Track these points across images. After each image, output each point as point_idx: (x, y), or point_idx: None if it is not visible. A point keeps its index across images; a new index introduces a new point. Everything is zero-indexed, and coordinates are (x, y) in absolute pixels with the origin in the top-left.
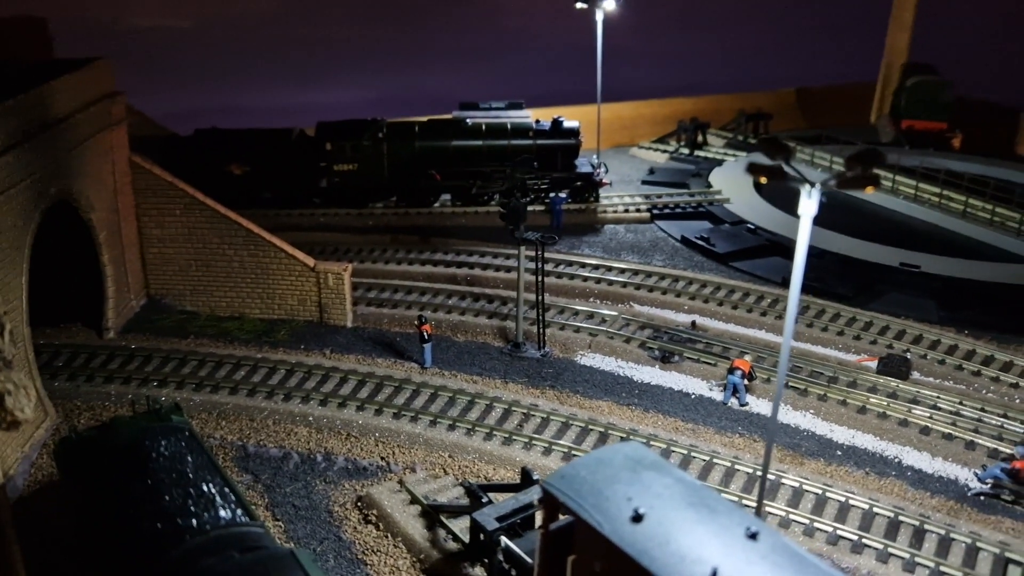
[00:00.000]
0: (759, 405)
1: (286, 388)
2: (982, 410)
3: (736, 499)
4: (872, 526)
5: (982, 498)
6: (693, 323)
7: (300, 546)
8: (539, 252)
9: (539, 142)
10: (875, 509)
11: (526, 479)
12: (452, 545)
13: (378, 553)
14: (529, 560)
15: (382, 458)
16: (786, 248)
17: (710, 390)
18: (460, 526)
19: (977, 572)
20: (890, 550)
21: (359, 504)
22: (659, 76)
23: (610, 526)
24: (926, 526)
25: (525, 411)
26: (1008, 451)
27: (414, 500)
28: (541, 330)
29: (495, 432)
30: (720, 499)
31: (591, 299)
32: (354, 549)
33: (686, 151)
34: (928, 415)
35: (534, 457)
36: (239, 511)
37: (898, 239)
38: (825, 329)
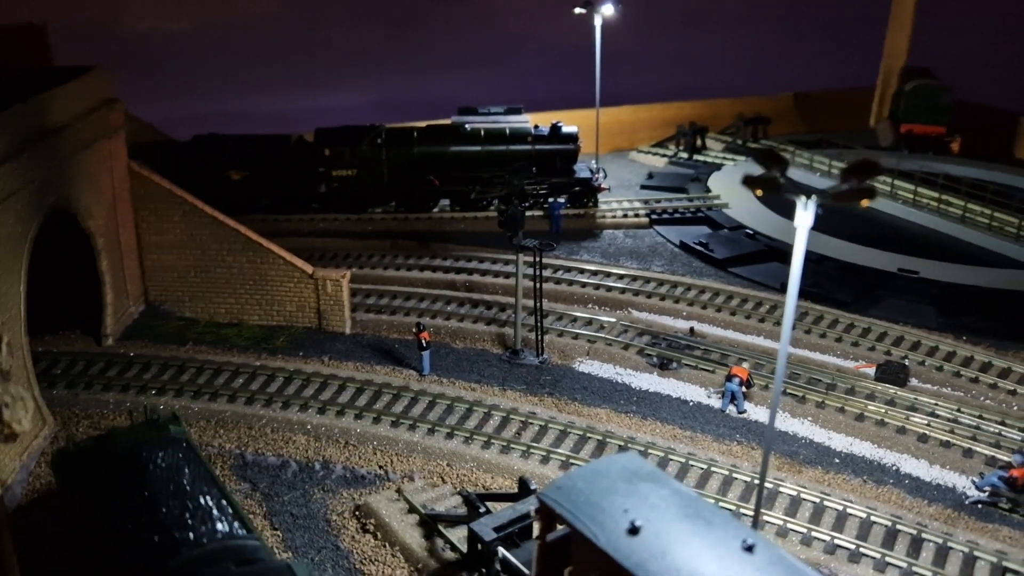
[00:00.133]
0: (757, 412)
1: (284, 396)
2: (980, 417)
3: (734, 508)
4: (870, 535)
5: (980, 506)
6: (692, 329)
7: (298, 556)
8: (537, 259)
9: (538, 147)
10: (873, 518)
11: (524, 489)
12: (450, 555)
13: (376, 562)
14: (526, 571)
15: (380, 466)
16: (785, 254)
17: (708, 397)
18: (458, 535)
19: None
20: (888, 559)
21: (357, 513)
22: (658, 80)
23: (606, 538)
24: (924, 535)
25: (523, 419)
26: (1006, 459)
27: (412, 509)
28: (539, 337)
29: (493, 440)
30: (717, 511)
31: (589, 305)
32: (352, 558)
33: (685, 155)
34: (926, 422)
35: (532, 465)
36: (236, 524)
37: (896, 244)
38: (823, 335)
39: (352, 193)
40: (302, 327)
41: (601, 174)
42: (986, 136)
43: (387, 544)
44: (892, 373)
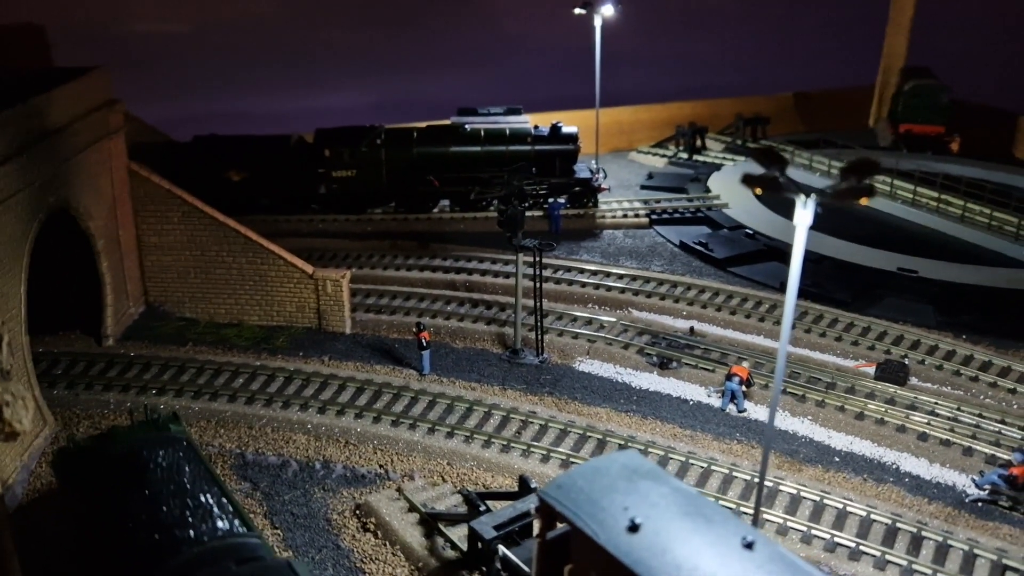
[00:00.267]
0: (757, 411)
1: (284, 395)
2: (980, 416)
3: (734, 506)
4: (870, 533)
5: (980, 504)
6: (691, 329)
7: (299, 555)
8: (537, 259)
9: (537, 148)
10: (873, 516)
11: (524, 487)
12: (450, 553)
13: (376, 561)
14: (526, 569)
15: (380, 466)
16: (784, 253)
17: (708, 396)
18: (458, 534)
19: None
20: (888, 557)
21: (357, 512)
22: (657, 80)
23: (606, 536)
24: (924, 533)
25: (523, 418)
26: (1006, 457)
27: (412, 508)
28: (539, 336)
29: (493, 439)
30: (717, 508)
31: (589, 305)
32: (352, 557)
33: (685, 156)
34: (926, 421)
35: (532, 464)
36: (236, 522)
37: (896, 244)
38: (823, 335)
39: (352, 193)
40: (302, 327)
41: (601, 174)
42: (985, 136)
43: (387, 543)
44: (892, 372)
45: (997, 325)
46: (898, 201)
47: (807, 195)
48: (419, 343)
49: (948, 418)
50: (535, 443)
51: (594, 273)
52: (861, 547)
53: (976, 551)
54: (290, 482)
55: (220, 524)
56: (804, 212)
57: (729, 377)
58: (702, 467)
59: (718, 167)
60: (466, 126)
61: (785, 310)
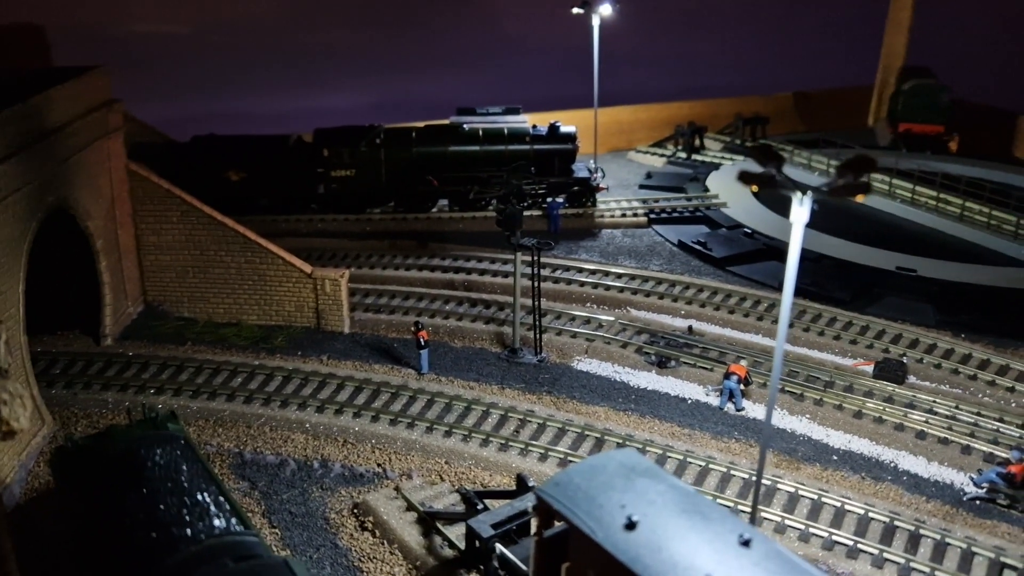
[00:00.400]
0: (755, 410)
1: (283, 395)
2: (978, 414)
3: (732, 504)
4: (867, 531)
5: (978, 503)
6: (690, 328)
7: (296, 553)
8: (535, 258)
9: (536, 147)
10: (871, 514)
11: (521, 486)
12: (448, 552)
13: (374, 560)
14: (524, 567)
15: (378, 464)
16: (783, 252)
17: (706, 395)
18: (456, 533)
19: None
20: (885, 555)
21: (355, 511)
22: (656, 80)
23: (603, 533)
24: (921, 531)
25: (521, 417)
26: (1004, 455)
27: (410, 507)
28: (538, 335)
29: (491, 438)
30: (713, 506)
31: (588, 304)
32: (350, 556)
33: (683, 155)
34: (924, 419)
35: (530, 463)
36: (234, 520)
37: (895, 243)
38: (821, 333)
39: (351, 193)
40: (301, 327)
41: (599, 174)
42: (984, 135)
43: (385, 542)
44: (890, 370)
45: (996, 324)
46: (897, 200)
47: (803, 192)
48: (417, 342)
49: (946, 416)
50: (533, 442)
51: (593, 272)
52: (859, 545)
53: (974, 549)
54: (288, 481)
55: (217, 522)
56: (800, 209)
57: (727, 376)
58: (700, 465)
59: (717, 167)
60: (465, 126)
61: (782, 306)
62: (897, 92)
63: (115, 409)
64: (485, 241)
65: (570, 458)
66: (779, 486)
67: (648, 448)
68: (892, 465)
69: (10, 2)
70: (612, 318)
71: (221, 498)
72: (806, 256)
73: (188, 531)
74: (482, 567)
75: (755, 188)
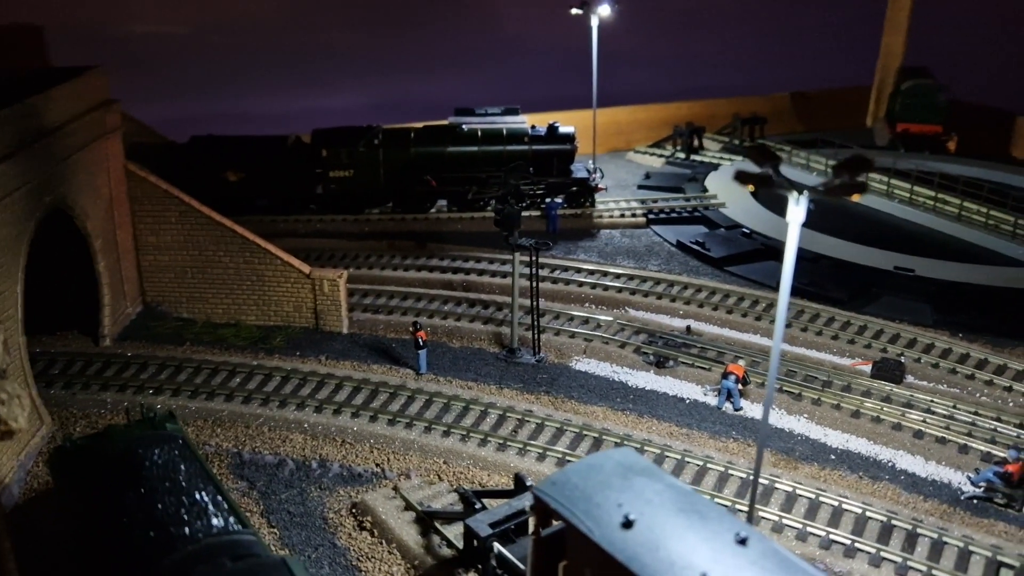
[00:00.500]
0: (753, 410)
1: (281, 395)
2: (976, 414)
3: (730, 504)
4: (865, 530)
5: (975, 502)
6: (688, 328)
7: (295, 553)
8: (533, 258)
9: (535, 147)
10: (868, 513)
11: (519, 485)
12: (446, 551)
13: (372, 559)
14: (522, 566)
15: (377, 464)
16: (781, 252)
17: (704, 395)
18: (454, 532)
19: None
20: (883, 554)
21: (354, 511)
22: (655, 80)
23: (600, 532)
24: (919, 530)
25: (520, 416)
26: (1001, 454)
27: (408, 506)
28: (536, 335)
29: (490, 438)
30: (710, 505)
31: (586, 304)
32: (349, 556)
33: (682, 155)
34: (922, 419)
35: (528, 463)
36: (232, 519)
37: (893, 243)
38: (819, 333)
39: (349, 194)
40: (299, 327)
41: (598, 174)
42: (982, 135)
43: (383, 541)
44: (888, 370)
45: (993, 323)
46: (895, 200)
47: (800, 191)
48: (416, 342)
49: (944, 416)
50: (531, 442)
51: (591, 272)
52: (856, 544)
53: (971, 548)
54: (286, 481)
55: (215, 521)
56: (797, 208)
57: (725, 375)
58: (698, 465)
59: (715, 167)
60: (463, 126)
61: (779, 306)
62: (895, 92)
63: (113, 409)
64: (483, 241)
65: (568, 458)
66: (777, 485)
67: (646, 447)
68: (890, 464)
69: (9, 2)
70: (610, 318)
71: (219, 497)
72: (804, 256)
73: (186, 530)
74: (480, 566)
75: (752, 188)
